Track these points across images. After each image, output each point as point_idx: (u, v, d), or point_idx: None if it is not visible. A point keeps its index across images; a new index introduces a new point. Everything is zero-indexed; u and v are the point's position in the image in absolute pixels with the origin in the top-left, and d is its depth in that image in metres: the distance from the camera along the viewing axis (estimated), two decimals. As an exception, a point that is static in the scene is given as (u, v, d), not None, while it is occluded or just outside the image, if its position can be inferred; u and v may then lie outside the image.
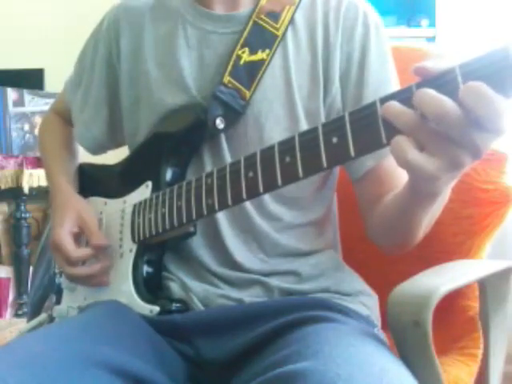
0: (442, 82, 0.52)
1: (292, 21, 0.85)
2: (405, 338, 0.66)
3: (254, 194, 0.69)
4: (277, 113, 0.83)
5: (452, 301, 0.94)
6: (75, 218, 0.89)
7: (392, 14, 2.32)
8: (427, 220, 0.73)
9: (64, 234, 0.86)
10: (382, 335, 0.78)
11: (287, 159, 0.64)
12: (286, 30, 0.84)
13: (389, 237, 0.82)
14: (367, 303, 0.85)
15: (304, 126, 0.82)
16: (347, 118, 0.58)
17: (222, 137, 0.83)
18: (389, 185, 0.81)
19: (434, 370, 0.66)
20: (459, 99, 0.50)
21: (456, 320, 0.95)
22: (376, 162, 0.82)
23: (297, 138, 0.63)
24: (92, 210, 0.92)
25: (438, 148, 0.53)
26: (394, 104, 0.54)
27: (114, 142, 1.01)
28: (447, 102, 0.50)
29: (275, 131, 0.82)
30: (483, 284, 0.85)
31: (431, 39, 2.21)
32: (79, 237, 0.90)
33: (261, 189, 0.67)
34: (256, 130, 0.83)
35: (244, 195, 0.69)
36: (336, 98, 0.84)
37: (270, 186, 0.67)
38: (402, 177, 0.80)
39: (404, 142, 0.53)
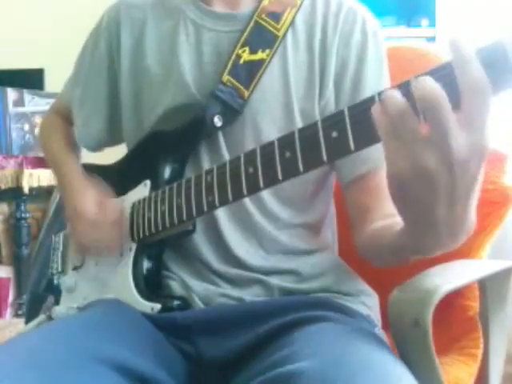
0: (439, 75, 0.51)
1: (293, 23, 0.85)
2: (405, 337, 0.66)
3: (254, 189, 0.69)
4: (274, 113, 0.83)
5: (452, 301, 0.93)
6: (94, 193, 0.90)
7: (392, 14, 2.32)
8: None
9: (89, 201, 0.88)
10: (383, 335, 0.77)
11: (287, 154, 0.64)
12: (287, 31, 0.85)
13: (381, 260, 0.79)
14: (368, 303, 0.84)
15: (299, 126, 0.82)
16: (346, 113, 0.58)
17: (220, 135, 0.83)
18: (377, 197, 0.80)
19: (434, 370, 0.66)
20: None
21: (456, 320, 0.95)
22: (368, 168, 0.82)
23: (297, 133, 0.63)
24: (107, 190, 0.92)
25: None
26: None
27: (112, 139, 1.00)
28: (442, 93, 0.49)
29: (271, 131, 0.82)
30: (483, 284, 0.85)
31: (431, 39, 2.22)
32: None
33: (261, 184, 0.67)
34: (253, 128, 0.83)
35: (244, 191, 0.69)
36: (330, 101, 0.85)
37: (271, 182, 0.67)
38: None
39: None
